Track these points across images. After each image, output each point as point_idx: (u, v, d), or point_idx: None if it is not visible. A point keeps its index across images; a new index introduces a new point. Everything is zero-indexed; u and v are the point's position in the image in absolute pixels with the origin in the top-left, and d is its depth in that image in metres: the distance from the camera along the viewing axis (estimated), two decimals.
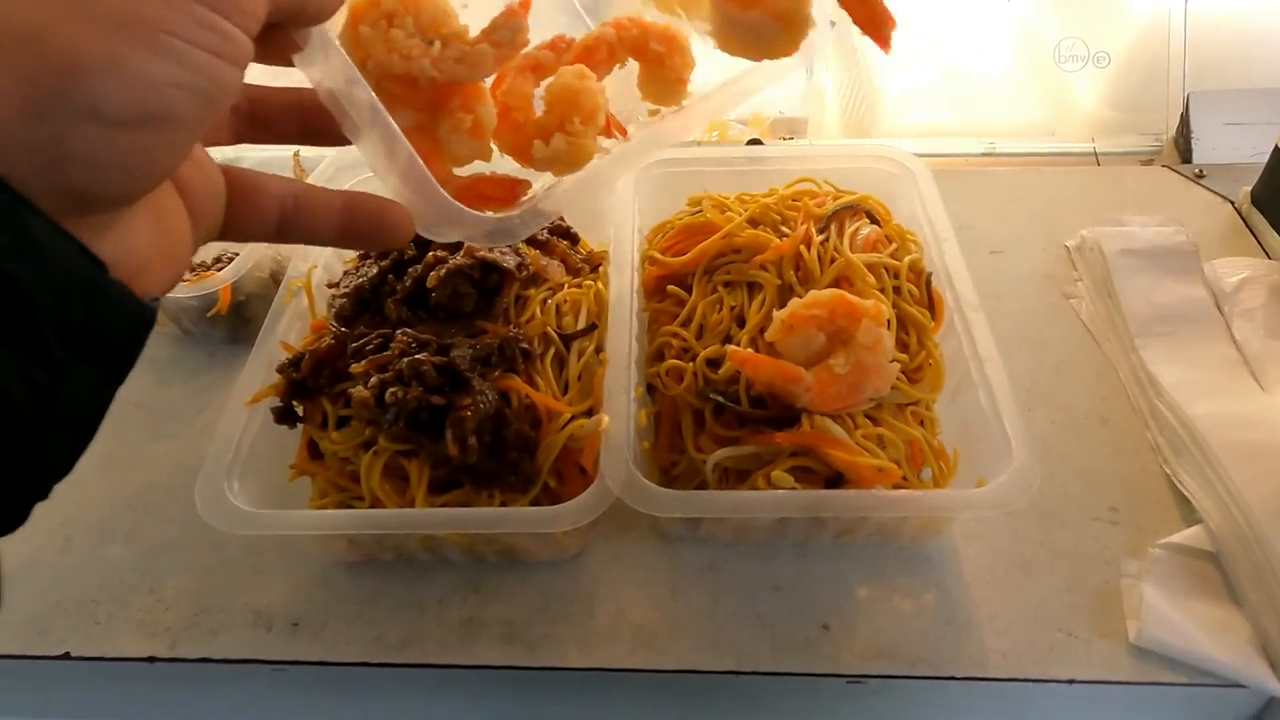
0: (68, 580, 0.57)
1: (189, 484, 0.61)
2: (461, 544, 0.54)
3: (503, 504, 0.52)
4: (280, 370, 0.55)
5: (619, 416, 0.52)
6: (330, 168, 0.71)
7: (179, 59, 0.23)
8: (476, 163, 0.39)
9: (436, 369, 0.52)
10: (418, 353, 0.53)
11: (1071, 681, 0.50)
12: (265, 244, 0.69)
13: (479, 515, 0.50)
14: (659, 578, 0.55)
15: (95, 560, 0.58)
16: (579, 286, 0.61)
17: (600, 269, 0.64)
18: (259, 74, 0.31)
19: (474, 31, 0.37)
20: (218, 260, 0.71)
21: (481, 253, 0.57)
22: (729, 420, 0.54)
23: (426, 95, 0.36)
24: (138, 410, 0.67)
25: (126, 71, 0.22)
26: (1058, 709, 0.52)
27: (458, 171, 0.39)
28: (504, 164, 0.40)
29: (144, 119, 0.23)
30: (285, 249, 0.71)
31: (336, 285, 0.61)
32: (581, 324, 0.59)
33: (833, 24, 1.23)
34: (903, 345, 0.56)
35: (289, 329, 0.60)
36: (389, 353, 0.54)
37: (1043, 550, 0.56)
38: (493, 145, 0.39)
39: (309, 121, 0.36)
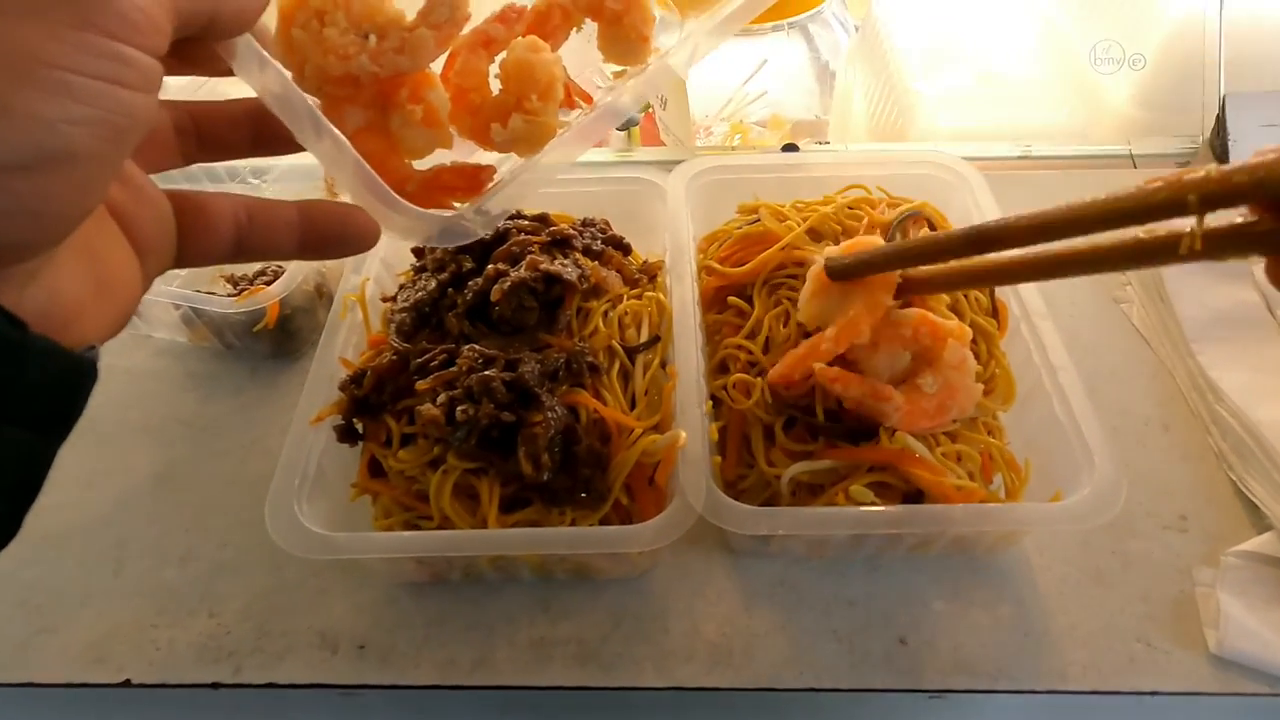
0: (123, 605, 0.56)
1: (241, 503, 0.61)
2: (533, 563, 0.53)
3: (573, 521, 0.52)
4: (342, 388, 0.54)
5: (693, 431, 0.51)
6: None
7: (73, 93, 0.22)
8: (440, 151, 0.37)
9: (506, 385, 0.51)
10: (485, 369, 0.52)
11: (1155, 693, 0.50)
12: None
13: (560, 535, 0.49)
14: (730, 593, 0.55)
15: (151, 583, 0.57)
16: (638, 298, 0.61)
17: (657, 279, 0.63)
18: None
19: (411, 15, 0.35)
20: (261, 274, 0.70)
21: (544, 265, 0.56)
22: (800, 434, 0.54)
23: (371, 92, 0.34)
24: (185, 428, 0.66)
25: (13, 113, 0.21)
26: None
27: (422, 164, 0.37)
28: (467, 148, 0.38)
29: (41, 161, 0.22)
30: (330, 262, 0.70)
31: (392, 299, 0.60)
32: (644, 336, 0.59)
33: (857, 28, 1.22)
34: (973, 355, 0.55)
35: (346, 345, 0.58)
36: (455, 369, 0.53)
37: (1115, 560, 0.56)
38: (452, 130, 0.37)
39: (261, 131, 0.34)
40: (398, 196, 0.32)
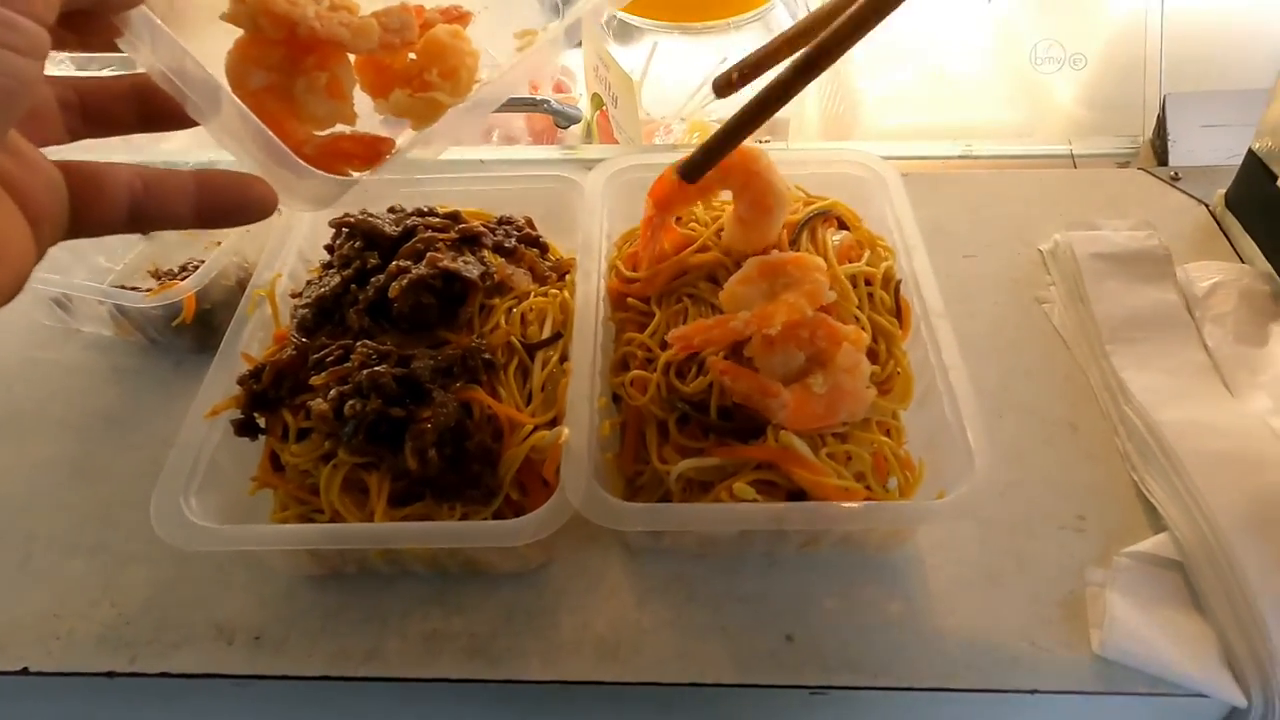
0: (28, 595, 0.57)
1: (152, 495, 0.61)
2: (424, 557, 0.54)
3: (464, 516, 0.52)
4: (241, 382, 0.55)
5: (580, 427, 0.51)
6: None
7: None
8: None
9: (397, 380, 0.52)
10: (378, 364, 0.53)
11: (1034, 692, 0.50)
12: (231, 252, 0.68)
13: (439, 530, 0.50)
14: (624, 590, 0.55)
15: (57, 574, 0.58)
16: (545, 295, 0.61)
17: (568, 277, 0.64)
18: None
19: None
20: (183, 269, 0.71)
21: (444, 263, 0.57)
22: (693, 431, 0.54)
23: (280, 54, 0.35)
24: (105, 422, 0.66)
25: None
26: (1022, 719, 0.52)
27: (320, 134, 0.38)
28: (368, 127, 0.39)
29: None
30: (253, 256, 0.71)
31: (300, 295, 0.61)
32: (547, 333, 0.59)
33: None
34: (873, 355, 0.55)
35: (252, 339, 0.59)
36: (349, 364, 0.53)
37: (1009, 559, 0.56)
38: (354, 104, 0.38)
39: (148, 107, 0.34)
40: (300, 160, 0.33)
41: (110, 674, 0.53)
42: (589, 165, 0.72)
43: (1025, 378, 0.67)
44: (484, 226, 0.63)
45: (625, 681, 0.51)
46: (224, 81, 0.34)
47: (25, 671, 0.53)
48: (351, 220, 0.61)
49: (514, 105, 0.94)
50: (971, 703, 0.50)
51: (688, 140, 1.16)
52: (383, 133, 0.40)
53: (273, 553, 0.55)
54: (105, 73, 0.36)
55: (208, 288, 0.66)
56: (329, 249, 0.63)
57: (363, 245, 0.60)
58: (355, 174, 0.37)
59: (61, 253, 0.75)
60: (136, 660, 0.53)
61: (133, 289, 0.66)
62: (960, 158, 0.90)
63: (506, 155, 0.95)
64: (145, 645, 0.54)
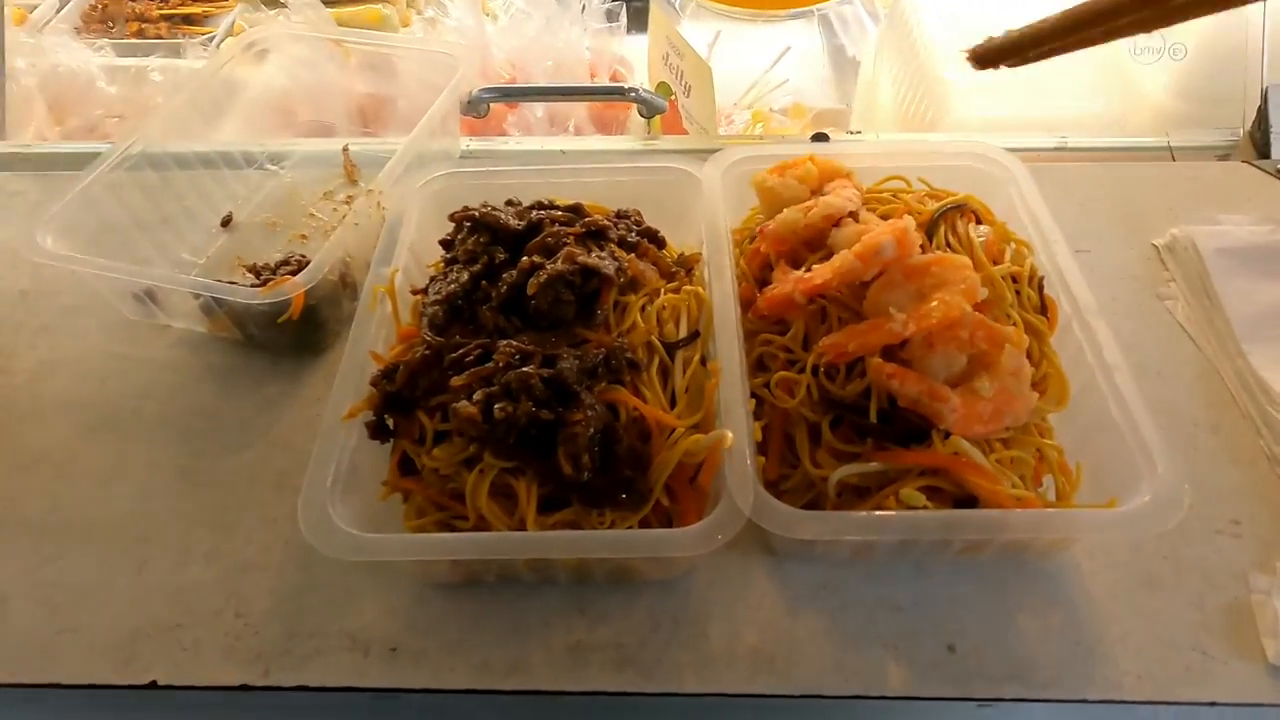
0: (147, 604, 0.54)
1: (265, 499, 0.59)
2: (571, 565, 0.52)
3: (612, 523, 0.50)
4: (374, 383, 0.53)
5: (739, 431, 0.49)
6: (399, 164, 0.68)
7: None
8: None
9: (544, 382, 0.50)
10: (522, 365, 0.50)
11: (1214, 704, 0.48)
12: (339, 246, 0.65)
13: (604, 539, 0.47)
14: (771, 597, 0.53)
15: (175, 582, 0.55)
16: (675, 291, 0.59)
17: (694, 272, 0.61)
18: None
19: None
20: (284, 263, 0.68)
21: (581, 258, 0.54)
22: (846, 434, 0.52)
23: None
24: (207, 422, 0.64)
25: None
26: None
27: None
28: None
29: None
30: (355, 251, 0.68)
31: (423, 292, 0.58)
32: (683, 331, 0.57)
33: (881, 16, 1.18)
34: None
35: (374, 338, 0.57)
36: (491, 365, 0.51)
37: (1167, 565, 0.54)
38: None
39: None
40: None
41: (244, 687, 0.51)
42: (675, 156, 0.69)
43: (1156, 377, 0.65)
44: (606, 221, 0.60)
45: (786, 695, 0.49)
46: None
47: (154, 685, 0.51)
48: (475, 214, 0.58)
49: (602, 94, 0.91)
50: (1146, 715, 0.49)
51: (750, 131, 1.14)
52: None
53: (407, 560, 0.53)
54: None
55: (313, 285, 0.63)
56: (444, 244, 0.61)
57: (488, 240, 0.57)
58: None
59: (145, 245, 0.73)
60: (270, 673, 0.51)
61: (230, 284, 0.64)
62: (1055, 150, 0.88)
63: (586, 146, 0.92)
64: (277, 657, 0.52)
